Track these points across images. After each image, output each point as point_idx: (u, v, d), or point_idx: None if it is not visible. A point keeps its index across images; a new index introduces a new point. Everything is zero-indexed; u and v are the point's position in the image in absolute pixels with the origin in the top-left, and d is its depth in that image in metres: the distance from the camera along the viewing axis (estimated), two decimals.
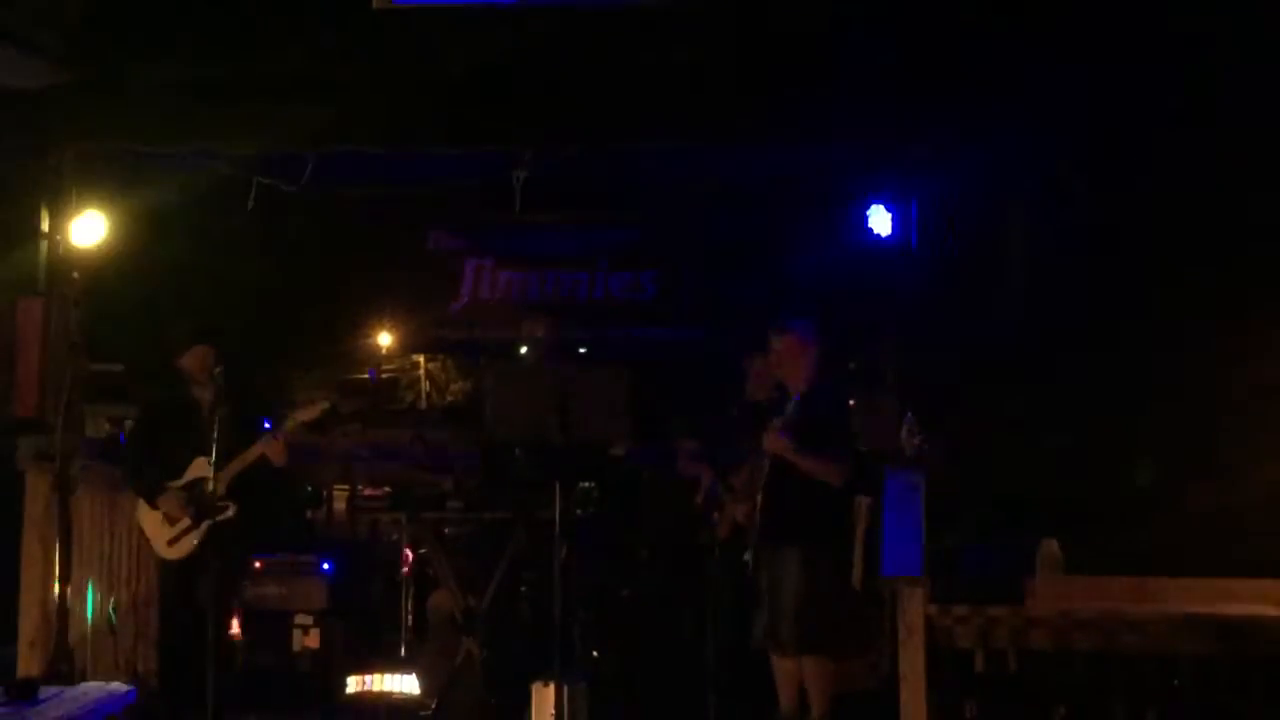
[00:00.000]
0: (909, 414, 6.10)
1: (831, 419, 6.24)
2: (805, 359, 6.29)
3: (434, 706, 6.91)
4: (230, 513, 6.38)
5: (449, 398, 12.60)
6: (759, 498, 6.29)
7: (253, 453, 6.42)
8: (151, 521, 6.49)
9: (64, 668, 6.90)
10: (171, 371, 6.59)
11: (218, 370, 6.38)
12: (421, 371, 12.75)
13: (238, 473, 6.38)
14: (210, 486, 6.26)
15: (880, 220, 7.34)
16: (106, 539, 7.28)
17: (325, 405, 6.67)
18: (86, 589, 7.25)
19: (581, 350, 8.74)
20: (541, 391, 6.17)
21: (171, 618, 6.67)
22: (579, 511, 7.20)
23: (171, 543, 6.44)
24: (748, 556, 6.31)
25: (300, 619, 7.44)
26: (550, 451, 6.41)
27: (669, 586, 7.39)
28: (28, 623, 7.02)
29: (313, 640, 7.42)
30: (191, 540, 6.39)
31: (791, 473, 6.14)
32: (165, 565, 6.60)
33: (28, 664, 6.91)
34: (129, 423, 7.38)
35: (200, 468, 6.33)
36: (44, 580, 7.05)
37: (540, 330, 7.29)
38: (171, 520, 6.41)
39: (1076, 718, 5.50)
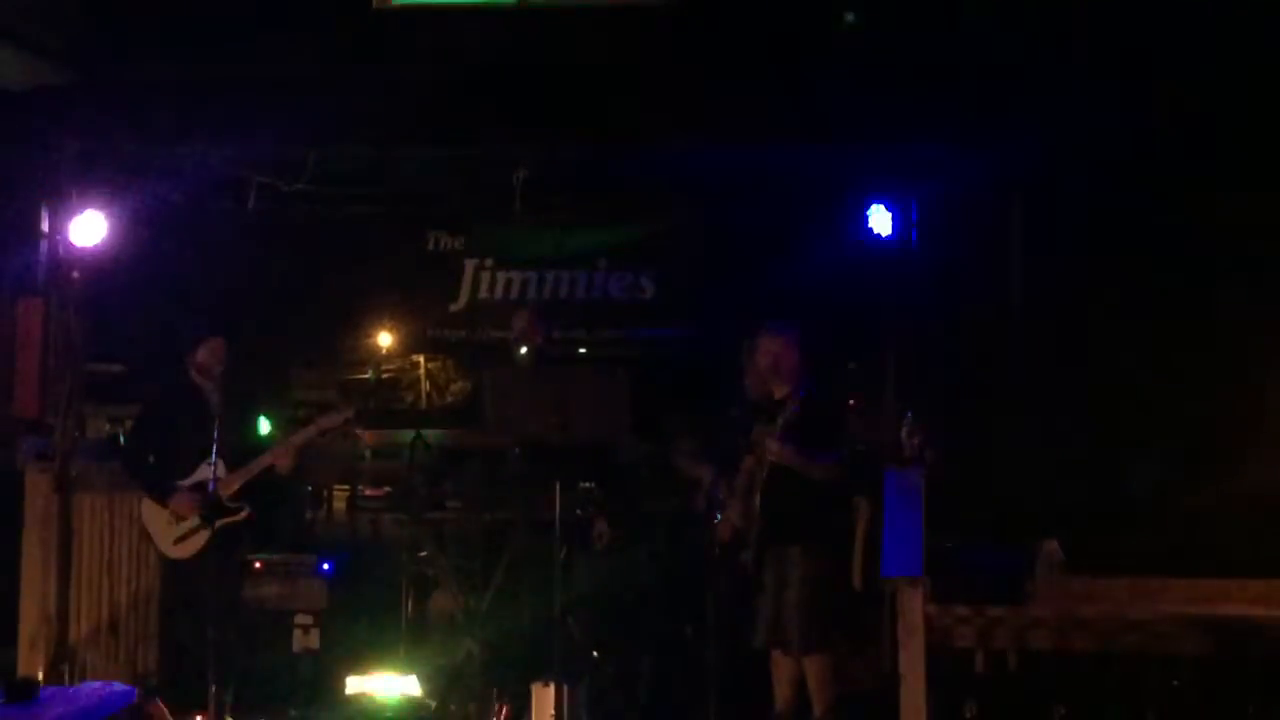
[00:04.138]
0: (909, 414, 6.10)
1: (833, 418, 6.24)
2: (792, 362, 6.31)
3: (434, 706, 6.91)
4: (242, 515, 6.41)
5: (449, 398, 12.57)
6: (758, 498, 6.29)
7: (264, 460, 6.46)
8: (158, 519, 6.48)
9: (64, 668, 6.90)
10: (176, 368, 6.60)
11: (220, 370, 6.41)
12: (421, 371, 12.72)
13: (248, 478, 6.43)
14: (220, 488, 6.29)
15: (880, 220, 7.33)
16: (106, 539, 7.27)
17: (349, 414, 6.71)
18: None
19: (581, 350, 8.72)
20: (541, 391, 6.16)
21: (173, 616, 6.67)
22: (579, 511, 7.19)
23: (179, 541, 6.43)
24: (745, 556, 6.30)
25: (300, 619, 7.42)
26: (550, 451, 6.41)
27: (669, 586, 7.38)
28: (28, 623, 7.02)
29: (313, 640, 7.41)
30: (199, 540, 6.40)
31: (793, 473, 6.14)
32: (167, 564, 6.60)
33: (28, 664, 6.91)
34: (129, 422, 7.38)
35: (205, 471, 6.35)
36: (44, 580, 7.05)
37: (524, 321, 7.27)
38: (179, 519, 6.40)
39: (1076, 718, 5.49)
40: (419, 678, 7.01)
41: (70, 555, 7.11)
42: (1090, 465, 6.70)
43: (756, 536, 6.28)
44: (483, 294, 8.78)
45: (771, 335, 6.33)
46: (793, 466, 6.11)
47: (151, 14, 6.80)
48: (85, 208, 7.27)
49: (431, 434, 8.13)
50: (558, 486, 6.27)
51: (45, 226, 7.35)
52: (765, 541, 6.25)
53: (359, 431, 8.26)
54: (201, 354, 6.48)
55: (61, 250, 7.31)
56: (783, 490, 6.18)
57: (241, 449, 6.48)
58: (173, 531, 6.44)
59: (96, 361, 7.83)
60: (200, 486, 6.36)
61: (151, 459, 6.57)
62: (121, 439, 7.68)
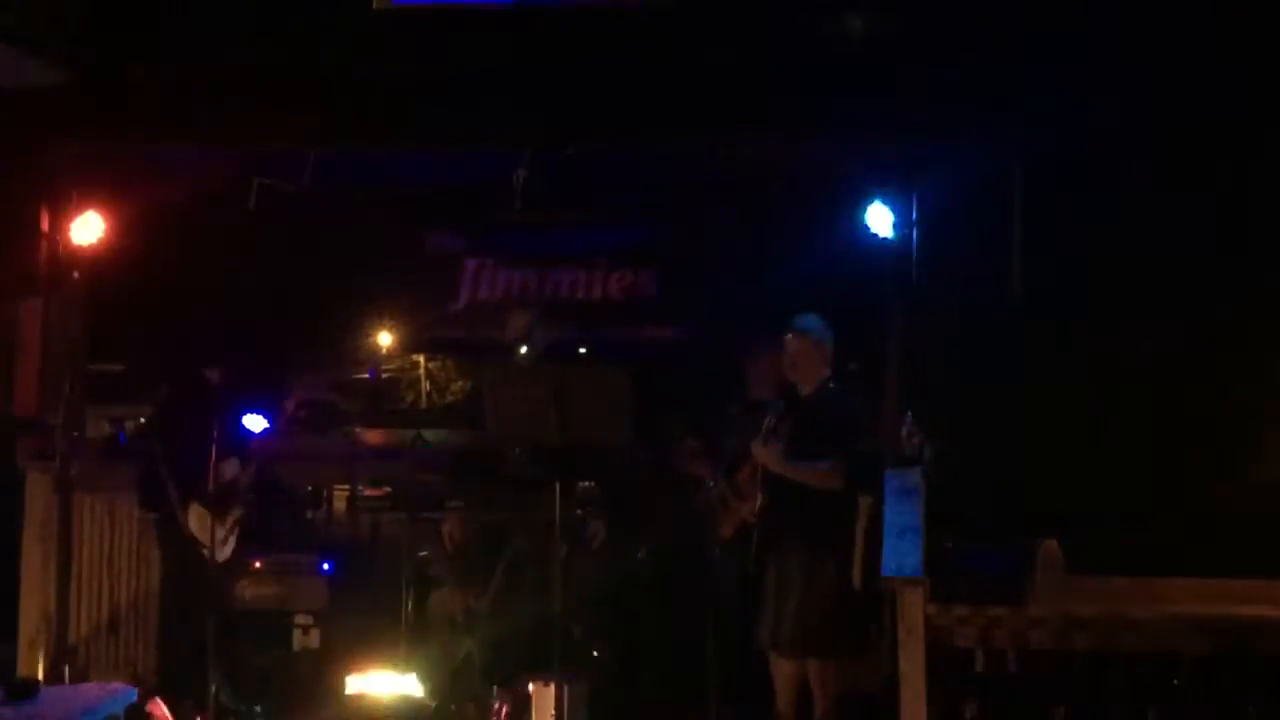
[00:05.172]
0: (909, 414, 6.09)
1: (842, 421, 6.20)
2: (822, 357, 6.28)
3: (434, 706, 6.91)
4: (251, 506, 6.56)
5: (449, 398, 12.59)
6: (760, 497, 6.28)
7: (258, 455, 6.55)
8: (205, 527, 6.56)
9: (64, 668, 6.91)
10: (186, 368, 6.68)
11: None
12: (421, 371, 12.74)
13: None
14: (239, 482, 6.40)
15: (880, 220, 7.32)
16: (106, 539, 7.28)
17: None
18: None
19: (581, 350, 8.72)
20: (541, 391, 6.16)
21: (173, 616, 6.72)
22: (579, 511, 7.19)
23: (223, 544, 6.52)
24: (751, 558, 6.29)
25: (300, 619, 7.43)
26: (550, 451, 6.41)
27: (669, 587, 7.38)
28: (28, 623, 7.02)
29: (313, 640, 7.41)
30: (233, 538, 6.51)
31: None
32: (170, 564, 6.66)
33: (28, 664, 6.91)
34: (130, 423, 7.40)
35: (231, 468, 6.44)
36: (44, 580, 7.05)
37: (524, 320, 7.26)
38: (224, 524, 6.50)
39: (1076, 718, 5.49)
40: (419, 678, 7.01)
41: (70, 555, 7.12)
42: (1090, 465, 6.70)
43: (758, 536, 6.28)
44: (483, 294, 8.78)
45: (798, 333, 6.30)
46: (783, 472, 6.11)
47: (151, 14, 6.80)
48: (85, 208, 7.28)
49: (431, 434, 8.15)
50: (558, 486, 6.27)
51: (45, 226, 7.35)
52: (767, 542, 6.25)
53: (358, 430, 8.31)
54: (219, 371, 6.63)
55: (61, 250, 7.32)
56: (784, 490, 6.17)
57: (244, 447, 6.59)
58: (219, 535, 6.52)
59: (96, 361, 7.83)
60: (230, 485, 6.46)
61: (183, 471, 6.67)
62: (122, 439, 7.69)
